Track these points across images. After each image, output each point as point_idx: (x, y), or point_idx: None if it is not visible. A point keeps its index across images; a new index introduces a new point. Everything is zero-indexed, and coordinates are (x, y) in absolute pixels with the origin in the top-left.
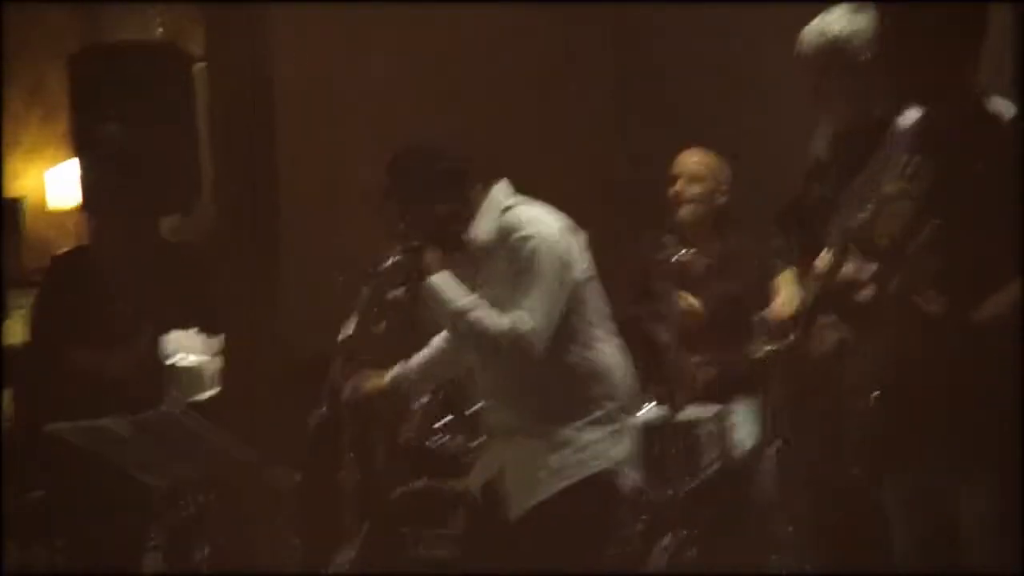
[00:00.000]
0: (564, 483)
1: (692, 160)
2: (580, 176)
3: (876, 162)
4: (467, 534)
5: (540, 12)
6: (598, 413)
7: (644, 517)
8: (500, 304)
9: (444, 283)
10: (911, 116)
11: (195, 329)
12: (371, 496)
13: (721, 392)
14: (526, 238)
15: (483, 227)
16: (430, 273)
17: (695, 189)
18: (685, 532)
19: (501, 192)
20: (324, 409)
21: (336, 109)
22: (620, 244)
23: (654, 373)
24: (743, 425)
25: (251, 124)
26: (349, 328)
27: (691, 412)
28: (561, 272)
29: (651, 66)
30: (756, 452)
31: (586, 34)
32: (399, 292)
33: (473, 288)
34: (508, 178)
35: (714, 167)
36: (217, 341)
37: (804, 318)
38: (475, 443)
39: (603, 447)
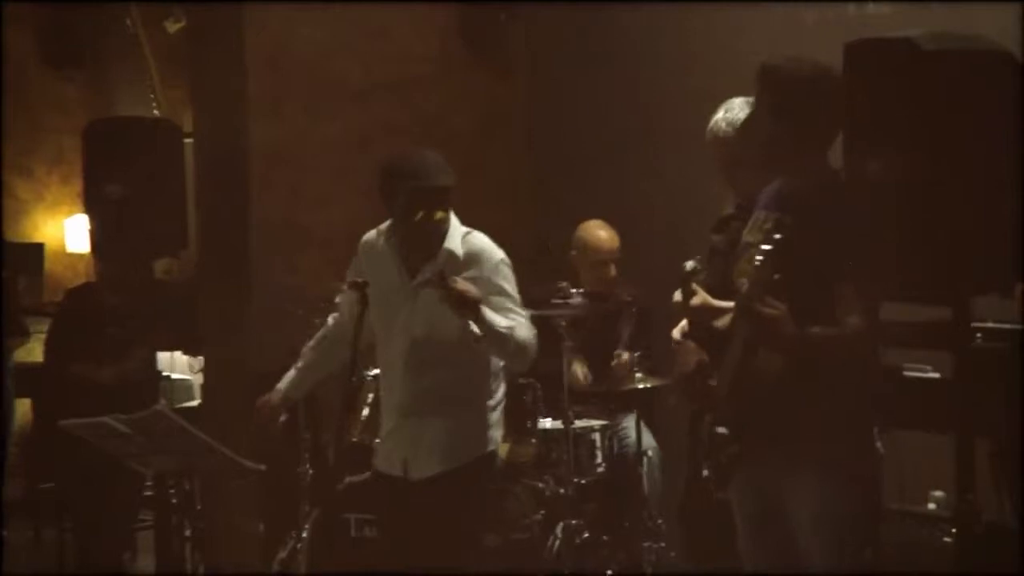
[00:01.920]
0: (464, 459)
1: (593, 241)
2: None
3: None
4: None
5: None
6: (491, 403)
7: (542, 511)
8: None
9: (494, 317)
10: (773, 185)
11: (180, 351)
12: (322, 487)
13: (606, 408)
14: (502, 260)
15: (452, 244)
16: (478, 300)
17: (592, 264)
18: (575, 522)
19: (456, 219)
20: (285, 415)
21: (298, 170)
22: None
23: (552, 391)
24: (624, 436)
25: (228, 185)
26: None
27: (582, 424)
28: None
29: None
30: (634, 458)
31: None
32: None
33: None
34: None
35: (612, 244)
36: (199, 361)
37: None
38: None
39: (493, 432)
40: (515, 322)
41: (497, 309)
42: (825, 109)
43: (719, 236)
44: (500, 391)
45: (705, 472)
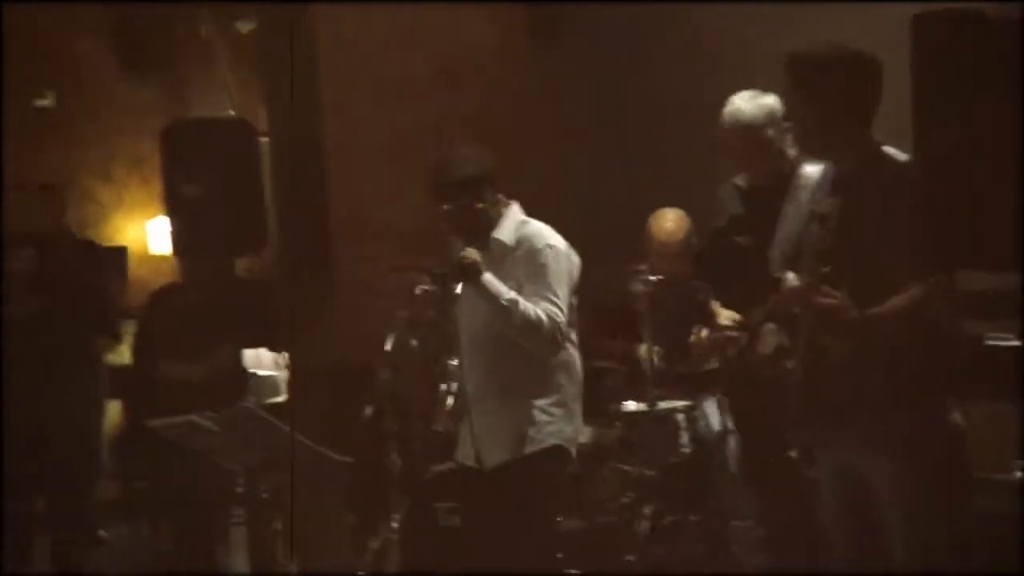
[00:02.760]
0: (527, 450)
1: (666, 235)
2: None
3: (792, 208)
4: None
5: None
6: (556, 397)
7: (629, 493)
8: (523, 297)
9: (492, 280)
10: (815, 169)
11: (265, 347)
12: (410, 477)
13: (689, 390)
14: (549, 246)
15: (505, 232)
16: (478, 269)
17: (668, 256)
18: (663, 503)
19: (518, 208)
20: (371, 408)
21: (374, 164)
22: (600, 270)
23: (636, 375)
24: (708, 417)
25: (305, 181)
26: (389, 344)
27: (666, 406)
28: (570, 279)
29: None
30: (719, 438)
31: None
32: (431, 313)
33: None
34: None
35: (685, 236)
36: (283, 356)
37: (751, 331)
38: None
39: (558, 426)
40: (534, 304)
41: (529, 291)
42: (858, 88)
43: (736, 234)
44: (570, 385)
45: (792, 453)
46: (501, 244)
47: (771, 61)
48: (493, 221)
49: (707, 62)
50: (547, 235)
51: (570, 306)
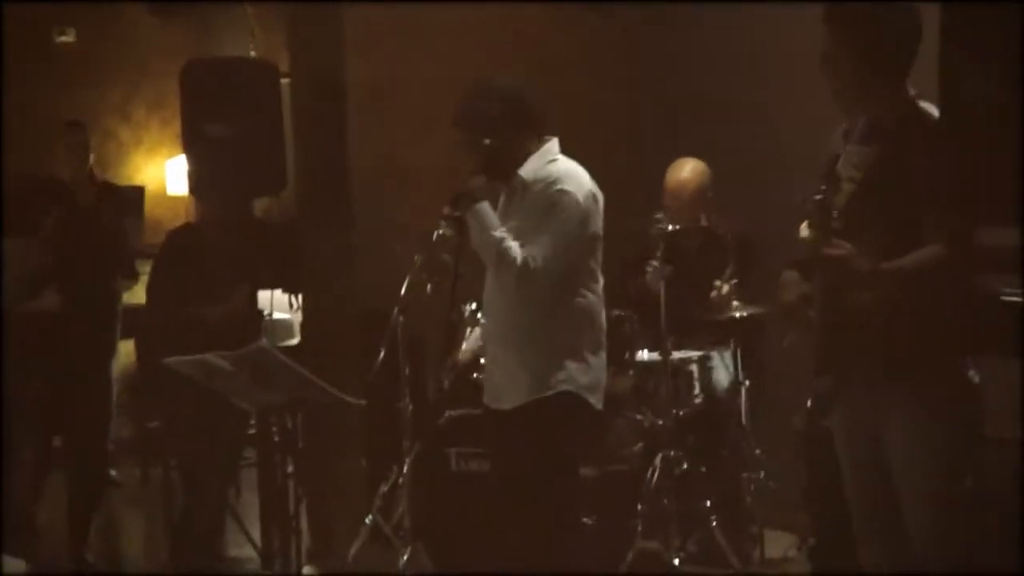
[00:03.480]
0: (539, 394)
1: (678, 183)
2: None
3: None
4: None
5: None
6: (575, 346)
7: (641, 442)
8: (521, 236)
9: (486, 211)
10: (860, 120)
11: (280, 289)
12: (422, 422)
13: (704, 340)
14: (561, 191)
15: (529, 170)
16: (475, 197)
17: (680, 204)
18: (673, 453)
19: (552, 146)
20: (385, 352)
21: (397, 105)
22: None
23: (651, 324)
24: (720, 368)
25: (326, 123)
26: (404, 289)
27: (679, 355)
28: (580, 226)
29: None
30: (731, 389)
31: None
32: (447, 258)
33: (504, 218)
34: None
35: (698, 184)
36: (298, 299)
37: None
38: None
39: (573, 373)
40: (519, 244)
41: (524, 229)
42: (897, 39)
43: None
44: (588, 333)
45: (808, 403)
46: (522, 180)
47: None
48: (520, 158)
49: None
50: (566, 177)
51: (589, 254)
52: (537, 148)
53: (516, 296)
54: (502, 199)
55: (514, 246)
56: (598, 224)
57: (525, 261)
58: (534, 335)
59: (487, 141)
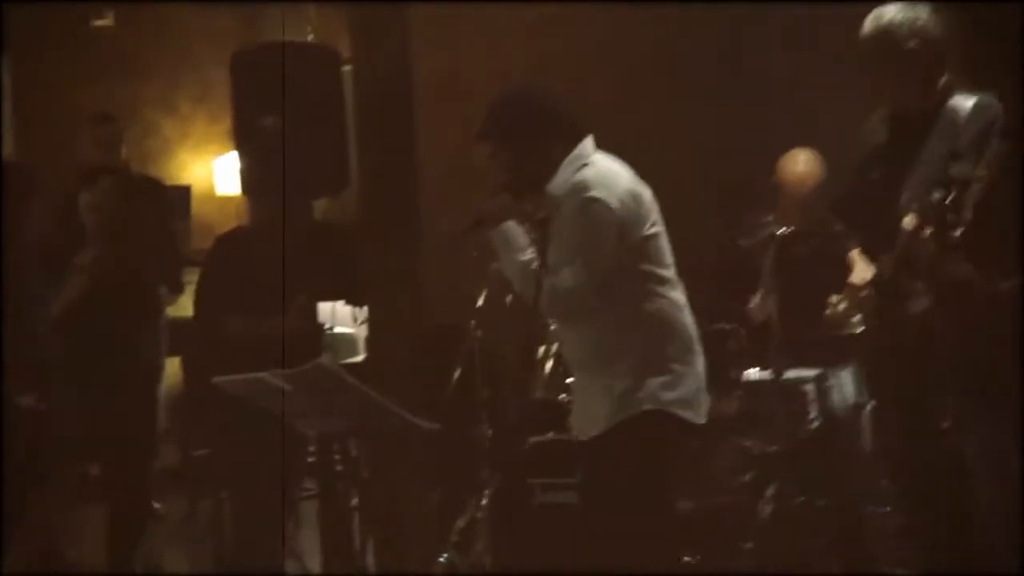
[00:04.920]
0: (619, 418)
1: (793, 174)
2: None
3: (936, 144)
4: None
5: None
6: (655, 361)
7: (749, 472)
8: (559, 256)
9: (512, 232)
10: (969, 103)
11: (343, 300)
12: (502, 449)
13: (821, 357)
14: (590, 200)
15: (559, 181)
16: (497, 218)
17: (794, 200)
18: (787, 484)
19: (583, 148)
20: (460, 371)
21: (469, 99)
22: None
23: (760, 339)
24: (841, 386)
25: (393, 115)
26: (481, 300)
27: (793, 374)
28: (615, 234)
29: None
30: (854, 411)
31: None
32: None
33: (547, 238)
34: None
35: (815, 178)
36: (362, 312)
37: (886, 285)
38: None
39: (655, 390)
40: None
41: (561, 249)
42: None
43: (877, 168)
44: (670, 344)
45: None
46: (552, 196)
47: None
48: (549, 169)
49: None
50: (596, 183)
51: (641, 256)
52: (568, 153)
53: (594, 309)
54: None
55: (527, 266)
56: (645, 225)
57: (552, 287)
58: (604, 354)
59: (511, 153)
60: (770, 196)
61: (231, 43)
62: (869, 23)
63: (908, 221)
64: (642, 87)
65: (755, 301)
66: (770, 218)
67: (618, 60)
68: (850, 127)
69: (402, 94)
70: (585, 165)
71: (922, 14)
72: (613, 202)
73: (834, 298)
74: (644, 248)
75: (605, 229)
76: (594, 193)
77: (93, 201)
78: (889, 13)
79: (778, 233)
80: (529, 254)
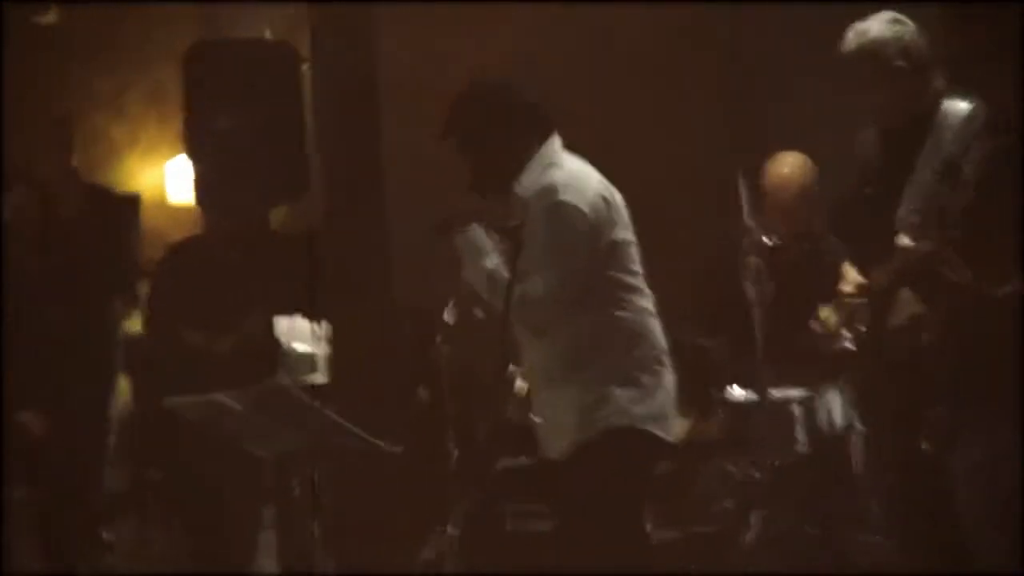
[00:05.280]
0: (587, 434)
1: (780, 177)
2: (681, 168)
3: (929, 154)
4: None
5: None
6: (622, 371)
7: (732, 498)
8: (529, 261)
9: (478, 236)
10: (960, 109)
11: (302, 315)
12: (471, 472)
13: (809, 376)
14: (558, 203)
15: (526, 182)
16: (463, 221)
17: (782, 206)
18: (773, 510)
19: (550, 147)
20: (427, 390)
21: (438, 97)
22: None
23: (744, 355)
24: (830, 408)
25: (355, 117)
26: (449, 314)
27: (780, 394)
28: (588, 239)
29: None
30: (842, 435)
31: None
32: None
33: (519, 246)
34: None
35: (804, 181)
36: (324, 327)
37: (880, 296)
38: None
39: (623, 403)
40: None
41: (531, 254)
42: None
43: (869, 182)
44: (640, 354)
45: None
46: (518, 198)
47: None
48: (516, 167)
49: None
50: (565, 185)
51: (611, 262)
52: (535, 153)
53: (559, 320)
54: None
55: (506, 276)
56: (616, 230)
57: (522, 294)
58: (569, 365)
59: (475, 151)
60: (757, 202)
61: (183, 40)
62: (853, 39)
63: (904, 238)
64: (619, 87)
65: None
66: (754, 225)
67: (593, 60)
68: (847, 130)
69: (365, 93)
70: (552, 165)
71: (907, 29)
72: (584, 206)
73: (823, 310)
74: (613, 254)
75: (576, 234)
76: (564, 196)
77: (8, 208)
78: (874, 30)
79: (765, 241)
80: (496, 260)
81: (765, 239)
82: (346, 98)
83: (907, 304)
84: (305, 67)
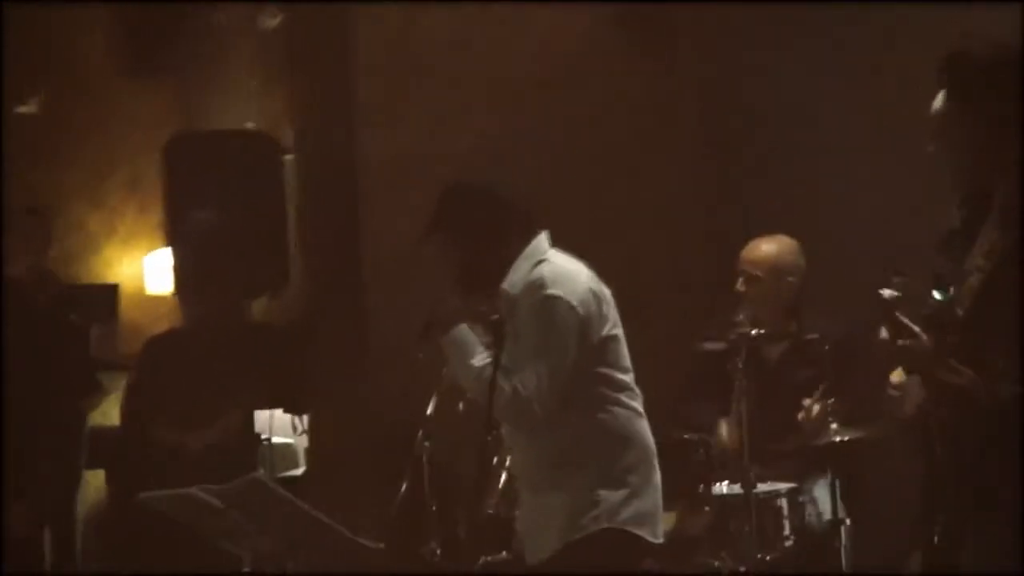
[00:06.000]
0: (571, 537)
1: (751, 257)
2: (663, 249)
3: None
4: None
5: (634, 84)
6: (612, 475)
7: None
8: (517, 359)
9: (465, 336)
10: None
11: (281, 409)
12: (451, 569)
13: (795, 469)
14: (548, 297)
15: (514, 279)
16: (448, 322)
17: (753, 288)
18: None
19: (538, 245)
20: (407, 484)
21: (419, 190)
22: (690, 321)
23: (728, 448)
24: (817, 502)
25: (337, 209)
26: (431, 407)
27: (766, 488)
28: (578, 335)
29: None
30: (829, 529)
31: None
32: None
33: (501, 340)
34: (566, 237)
35: (776, 261)
36: (303, 421)
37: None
38: None
39: (611, 508)
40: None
41: (513, 352)
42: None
43: (942, 257)
44: (627, 455)
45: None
46: (507, 295)
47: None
48: (502, 267)
49: (842, 67)
50: (553, 280)
51: (599, 360)
52: (521, 251)
53: (522, 429)
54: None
55: (499, 375)
56: (605, 326)
57: (515, 390)
58: (555, 469)
59: (461, 249)
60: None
61: (163, 130)
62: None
63: (887, 292)
64: (598, 174)
65: (723, 428)
66: (740, 317)
67: (573, 144)
68: (843, 210)
69: (347, 182)
70: (542, 262)
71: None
72: (574, 300)
73: (807, 401)
74: (604, 350)
75: (567, 329)
76: (553, 291)
77: None
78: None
79: (747, 334)
80: (484, 359)
81: (750, 331)
82: (327, 189)
83: (913, 392)
84: (288, 158)
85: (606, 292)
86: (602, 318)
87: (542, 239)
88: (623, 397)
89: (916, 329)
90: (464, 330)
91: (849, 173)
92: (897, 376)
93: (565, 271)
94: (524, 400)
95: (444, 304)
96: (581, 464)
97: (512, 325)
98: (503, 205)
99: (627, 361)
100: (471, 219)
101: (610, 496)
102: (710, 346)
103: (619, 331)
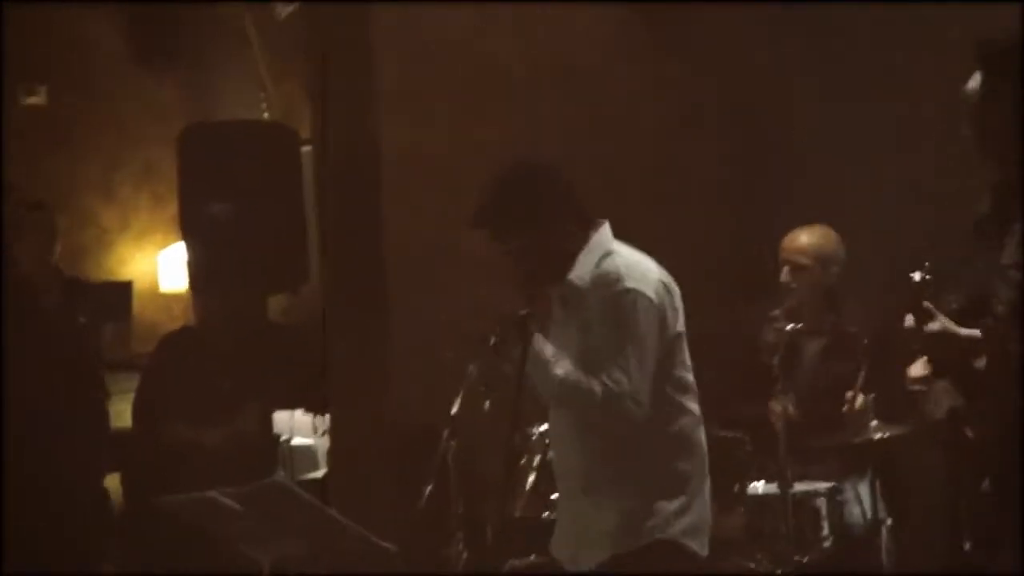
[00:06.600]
0: (625, 546)
1: (796, 246)
2: (692, 244)
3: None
4: None
5: (659, 81)
6: (667, 481)
7: None
8: (591, 353)
9: (544, 346)
10: None
11: (301, 409)
12: (479, 573)
13: (835, 468)
14: (626, 291)
15: (581, 271)
16: (528, 329)
17: (800, 278)
18: None
19: (602, 236)
20: (432, 486)
21: (443, 183)
22: (729, 316)
23: (767, 449)
24: (855, 503)
25: (358, 202)
26: (456, 406)
27: (804, 488)
28: (659, 329)
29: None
30: (869, 529)
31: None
32: (508, 369)
33: (560, 332)
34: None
35: (820, 249)
36: (324, 421)
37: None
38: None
39: (666, 519)
40: (599, 367)
41: (595, 348)
42: None
43: (973, 243)
44: (685, 464)
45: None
46: (574, 287)
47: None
48: (569, 257)
49: (859, 61)
50: (627, 273)
51: (669, 359)
52: (585, 242)
53: (591, 430)
54: (554, 312)
55: (583, 377)
56: (678, 321)
57: (607, 390)
58: (614, 474)
59: (521, 241)
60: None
61: (177, 121)
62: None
63: (918, 274)
64: (624, 167)
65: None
66: (777, 312)
67: (605, 132)
68: (879, 202)
69: (368, 174)
70: (610, 254)
71: None
72: (651, 293)
73: (849, 394)
74: (673, 348)
75: (648, 323)
76: (630, 284)
77: None
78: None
79: (786, 328)
80: (567, 365)
81: (788, 325)
82: (348, 181)
83: (945, 396)
84: (305, 149)
85: (674, 285)
86: (674, 312)
87: (606, 230)
88: (687, 401)
89: (940, 317)
90: (540, 339)
91: (877, 168)
92: (918, 369)
93: (636, 263)
94: (617, 397)
95: (519, 312)
96: (639, 468)
97: (580, 319)
98: (564, 188)
99: (689, 360)
100: (535, 207)
101: (667, 506)
102: (768, 339)
103: (684, 328)
